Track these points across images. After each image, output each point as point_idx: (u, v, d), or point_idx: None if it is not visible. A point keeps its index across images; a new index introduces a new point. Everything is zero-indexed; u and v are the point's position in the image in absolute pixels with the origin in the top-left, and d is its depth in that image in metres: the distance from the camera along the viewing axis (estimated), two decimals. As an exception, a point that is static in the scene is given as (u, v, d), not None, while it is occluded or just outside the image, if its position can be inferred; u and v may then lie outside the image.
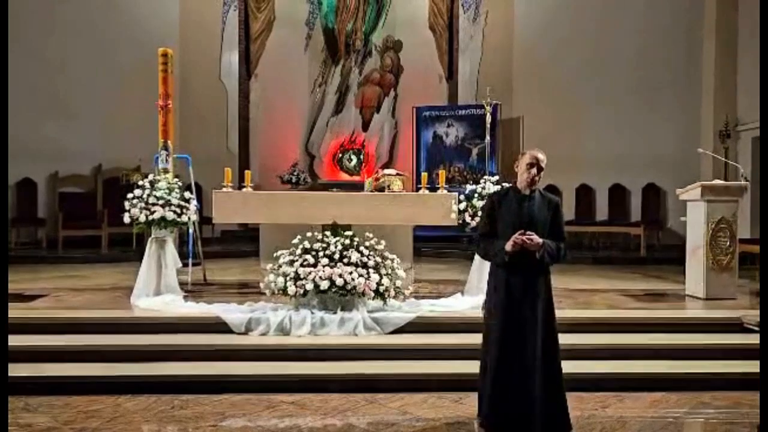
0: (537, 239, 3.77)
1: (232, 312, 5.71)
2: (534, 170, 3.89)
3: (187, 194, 6.64)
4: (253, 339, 5.46)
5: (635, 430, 4.25)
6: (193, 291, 6.95)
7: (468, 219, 6.48)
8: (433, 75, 13.42)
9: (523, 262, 3.81)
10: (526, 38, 12.56)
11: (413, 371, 5.06)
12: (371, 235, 6.03)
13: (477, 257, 6.46)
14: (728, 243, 6.75)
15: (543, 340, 3.81)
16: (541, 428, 3.75)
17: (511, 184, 4.13)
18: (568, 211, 11.45)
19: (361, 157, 13.69)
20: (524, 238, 3.75)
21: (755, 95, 9.58)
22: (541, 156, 3.92)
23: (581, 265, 9.89)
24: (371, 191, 7.31)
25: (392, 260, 5.94)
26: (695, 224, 6.93)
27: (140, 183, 6.55)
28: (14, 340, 4.95)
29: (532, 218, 3.86)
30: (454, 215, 6.65)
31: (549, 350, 3.83)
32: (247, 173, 7.26)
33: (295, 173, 12.91)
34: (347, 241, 5.89)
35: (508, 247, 3.76)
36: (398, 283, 5.88)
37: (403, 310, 5.82)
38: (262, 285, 6.01)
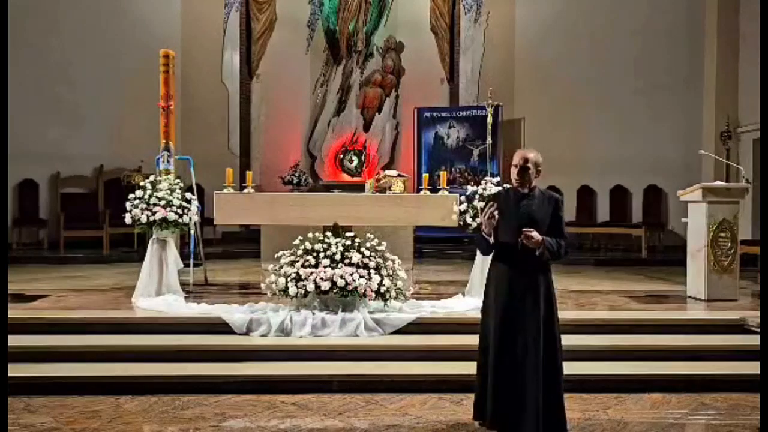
0: (536, 236, 3.77)
1: (233, 313, 5.70)
2: (516, 170, 3.91)
3: (188, 195, 6.65)
4: (254, 340, 5.47)
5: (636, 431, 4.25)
6: (194, 292, 6.96)
7: (469, 220, 6.48)
8: (434, 76, 13.40)
9: (522, 261, 3.82)
10: (528, 40, 12.56)
11: (414, 372, 5.06)
12: (372, 236, 6.03)
13: (478, 258, 6.47)
14: (729, 244, 6.74)
15: (543, 340, 3.80)
16: (536, 429, 3.74)
17: (510, 185, 4.15)
18: (570, 213, 11.45)
19: (363, 158, 13.67)
20: (523, 234, 3.75)
21: (756, 97, 9.56)
22: (526, 155, 3.92)
23: (582, 266, 9.90)
24: (373, 192, 7.32)
25: (393, 261, 5.94)
26: (696, 226, 6.93)
27: (142, 184, 6.56)
28: (15, 341, 4.98)
29: (531, 216, 3.86)
30: (455, 216, 6.65)
31: (549, 350, 3.81)
32: (249, 174, 7.26)
33: (297, 174, 12.89)
34: (348, 242, 5.89)
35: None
36: (399, 284, 5.89)
37: (404, 311, 5.82)
38: (263, 286, 6.02)
